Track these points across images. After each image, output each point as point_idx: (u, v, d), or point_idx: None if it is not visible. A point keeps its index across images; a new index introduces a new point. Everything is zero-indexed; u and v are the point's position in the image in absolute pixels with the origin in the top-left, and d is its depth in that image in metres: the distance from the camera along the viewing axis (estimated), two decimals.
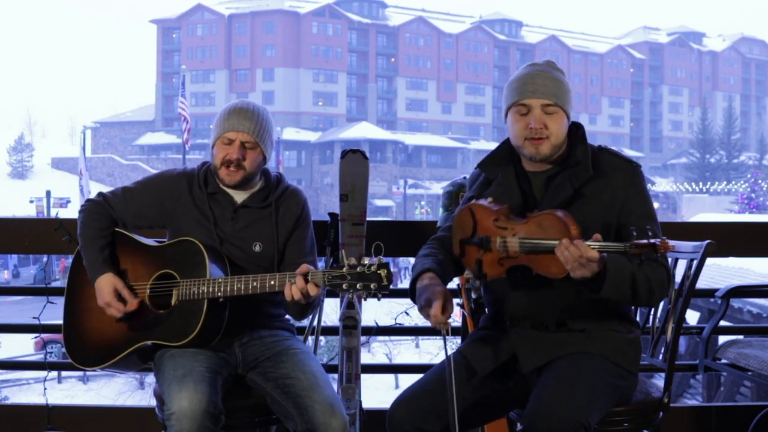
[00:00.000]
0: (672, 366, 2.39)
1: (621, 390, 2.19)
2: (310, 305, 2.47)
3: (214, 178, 2.57)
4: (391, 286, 2.20)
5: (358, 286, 2.19)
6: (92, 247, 2.48)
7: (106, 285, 2.42)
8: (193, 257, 2.39)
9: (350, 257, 2.22)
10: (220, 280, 2.34)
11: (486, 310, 2.49)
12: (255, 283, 2.33)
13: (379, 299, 2.24)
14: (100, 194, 2.60)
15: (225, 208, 2.54)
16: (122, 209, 2.55)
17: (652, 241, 1.87)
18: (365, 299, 2.31)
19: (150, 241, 2.55)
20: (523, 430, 2.03)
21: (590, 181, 2.20)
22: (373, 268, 2.18)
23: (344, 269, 2.20)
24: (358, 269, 2.19)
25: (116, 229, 2.55)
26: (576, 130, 2.29)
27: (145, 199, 2.56)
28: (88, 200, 2.59)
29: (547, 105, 2.21)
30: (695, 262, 2.40)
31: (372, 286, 2.19)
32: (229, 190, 2.56)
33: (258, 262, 2.51)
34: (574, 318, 2.21)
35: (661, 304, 2.57)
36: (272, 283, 2.32)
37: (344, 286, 2.20)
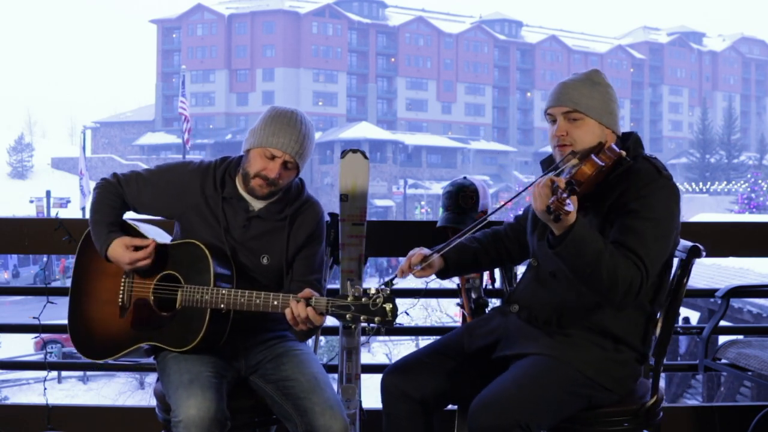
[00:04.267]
0: (658, 366, 2.34)
1: (588, 399, 2.18)
2: (315, 329, 2.42)
3: (232, 180, 2.50)
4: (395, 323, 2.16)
5: (361, 318, 2.15)
6: (100, 224, 2.45)
7: (118, 248, 2.39)
8: (198, 263, 2.36)
9: (356, 287, 2.18)
10: (223, 291, 2.30)
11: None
12: (258, 301, 2.29)
13: (382, 333, 2.22)
14: (114, 175, 2.55)
15: (238, 214, 2.48)
16: (134, 195, 2.52)
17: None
18: (370, 334, 2.26)
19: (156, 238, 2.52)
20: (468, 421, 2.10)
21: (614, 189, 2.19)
22: (378, 302, 2.14)
23: (348, 299, 2.17)
24: (363, 300, 2.15)
25: (124, 219, 2.53)
26: (627, 140, 2.29)
27: (157, 191, 2.51)
28: (103, 179, 2.54)
29: (568, 112, 2.25)
30: (681, 262, 2.37)
31: (376, 320, 2.15)
32: (246, 196, 2.49)
33: (266, 274, 2.48)
34: (562, 322, 2.23)
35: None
36: (275, 303, 2.27)
37: (347, 317, 2.17)
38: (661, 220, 2.12)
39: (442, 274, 2.47)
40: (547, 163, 2.38)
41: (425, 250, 2.38)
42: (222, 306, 2.30)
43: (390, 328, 2.17)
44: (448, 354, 2.37)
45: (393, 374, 2.35)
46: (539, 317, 2.27)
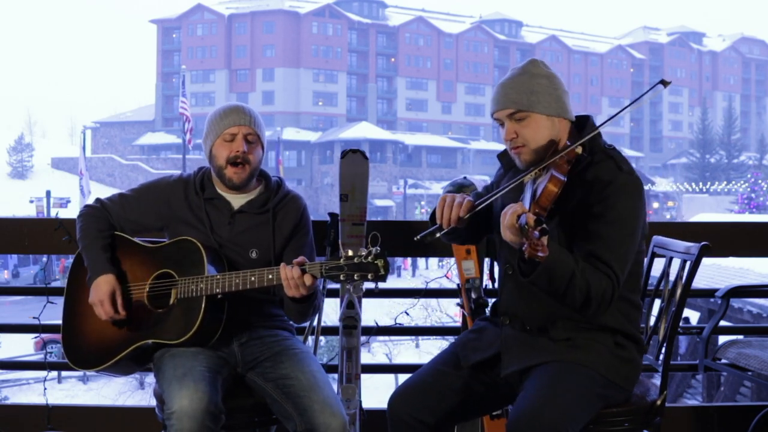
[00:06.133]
0: (667, 367, 2.37)
1: (607, 399, 2.17)
2: (309, 305, 2.47)
3: (211, 183, 2.57)
4: (388, 276, 2.21)
5: (355, 276, 2.21)
6: (94, 247, 2.48)
7: (104, 284, 2.42)
8: (191, 256, 2.40)
9: (347, 249, 2.24)
10: (218, 276, 2.35)
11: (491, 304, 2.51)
12: (253, 278, 2.33)
13: (376, 289, 2.27)
14: (97, 200, 2.61)
15: (222, 213, 2.54)
16: (120, 215, 2.57)
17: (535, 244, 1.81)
18: (362, 289, 2.28)
19: (148, 242, 2.56)
20: None
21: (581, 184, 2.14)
22: (369, 258, 2.20)
23: (341, 260, 2.22)
24: (355, 260, 2.21)
25: (117, 234, 2.56)
26: (583, 125, 2.24)
27: (142, 206, 2.57)
28: (86, 205, 2.60)
29: (512, 114, 2.20)
30: (690, 263, 2.38)
31: (369, 276, 2.20)
32: (226, 196, 2.56)
33: (254, 268, 2.50)
34: (557, 326, 2.20)
35: (657, 303, 2.56)
36: (270, 277, 2.32)
37: (342, 277, 2.22)
38: (626, 219, 2.10)
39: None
40: (508, 157, 2.32)
41: (469, 198, 2.20)
42: (218, 290, 2.33)
43: (383, 282, 2.22)
44: (451, 372, 2.29)
45: (402, 400, 2.24)
46: (532, 327, 2.23)
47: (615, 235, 2.07)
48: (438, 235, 2.17)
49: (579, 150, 2.13)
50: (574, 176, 2.13)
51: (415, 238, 2.17)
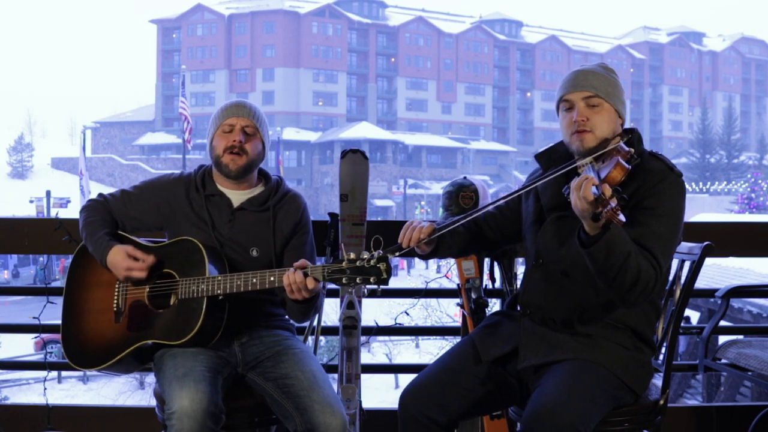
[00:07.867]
0: (669, 367, 2.38)
1: (617, 401, 2.17)
2: (311, 306, 2.46)
3: (211, 179, 2.58)
4: (390, 280, 2.21)
5: (357, 279, 2.20)
6: (97, 232, 2.48)
7: (117, 254, 2.42)
8: (192, 256, 2.40)
9: (350, 252, 2.24)
10: (219, 277, 2.35)
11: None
12: (254, 280, 2.33)
13: (378, 294, 2.26)
14: (101, 195, 2.62)
15: (222, 210, 2.54)
16: (121, 211, 2.57)
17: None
18: (365, 294, 2.30)
19: (149, 242, 2.56)
20: None
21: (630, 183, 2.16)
22: (372, 262, 2.20)
23: (344, 263, 2.22)
24: (357, 263, 2.21)
25: (119, 233, 2.56)
26: (630, 135, 2.29)
27: (143, 203, 2.57)
28: (90, 200, 2.61)
29: (589, 97, 2.24)
30: (693, 264, 2.39)
31: (371, 279, 2.20)
32: (226, 192, 2.57)
33: (255, 267, 2.50)
34: (583, 321, 2.20)
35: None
36: (272, 279, 2.32)
37: (344, 280, 2.22)
38: (673, 216, 2.15)
39: (429, 255, 2.39)
40: (546, 157, 2.35)
41: (429, 224, 2.29)
42: (219, 292, 2.33)
43: (386, 285, 2.22)
44: (465, 370, 2.28)
45: (414, 397, 2.24)
46: (556, 319, 2.23)
47: (663, 228, 2.11)
48: (397, 254, 2.26)
49: (632, 151, 2.16)
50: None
51: (376, 254, 2.21)
